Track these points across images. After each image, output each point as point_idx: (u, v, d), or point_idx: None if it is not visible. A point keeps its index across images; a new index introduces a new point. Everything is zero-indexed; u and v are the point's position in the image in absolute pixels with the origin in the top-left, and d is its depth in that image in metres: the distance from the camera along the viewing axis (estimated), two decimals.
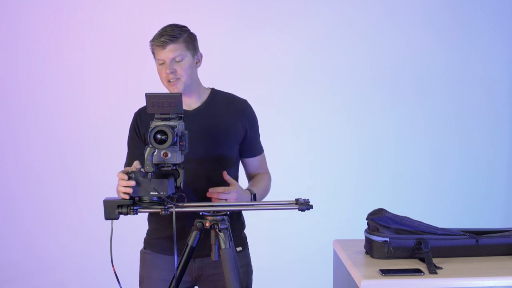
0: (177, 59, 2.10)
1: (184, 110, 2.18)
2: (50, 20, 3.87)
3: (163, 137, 1.74)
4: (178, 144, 1.79)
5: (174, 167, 1.82)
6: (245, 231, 2.33)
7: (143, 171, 1.78)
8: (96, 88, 3.91)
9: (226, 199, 1.99)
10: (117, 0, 3.88)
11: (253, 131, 2.28)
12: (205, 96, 2.24)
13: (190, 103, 2.21)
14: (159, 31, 2.14)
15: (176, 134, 1.77)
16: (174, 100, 1.78)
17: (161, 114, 1.80)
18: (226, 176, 2.07)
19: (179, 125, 1.80)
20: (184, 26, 2.18)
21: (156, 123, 1.77)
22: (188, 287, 2.22)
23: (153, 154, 1.76)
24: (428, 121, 4.05)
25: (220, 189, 2.01)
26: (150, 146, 1.75)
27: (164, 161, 1.78)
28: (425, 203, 4.01)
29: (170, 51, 2.09)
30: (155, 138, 1.74)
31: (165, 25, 2.17)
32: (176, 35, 2.10)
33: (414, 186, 4.05)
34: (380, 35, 3.98)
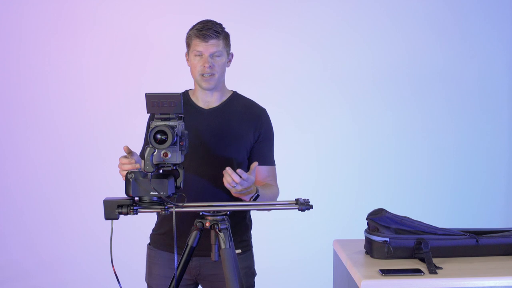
0: (216, 54, 2.13)
1: (200, 108, 2.20)
2: (50, 20, 3.87)
3: (163, 137, 1.74)
4: (178, 144, 1.79)
5: (174, 167, 1.82)
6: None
7: (143, 171, 1.78)
8: (97, 88, 3.92)
9: (237, 183, 1.91)
10: (118, 1, 3.89)
11: (264, 140, 2.24)
12: (225, 97, 2.24)
13: (210, 102, 2.22)
14: (200, 23, 2.15)
15: (176, 134, 1.77)
16: (174, 100, 1.78)
17: (161, 114, 1.80)
18: (254, 166, 2.00)
19: (179, 125, 1.80)
20: (221, 24, 2.19)
21: (156, 123, 1.77)
22: (189, 284, 2.22)
23: (153, 154, 1.76)
24: (428, 121, 4.05)
25: (244, 174, 1.91)
26: (150, 146, 1.75)
27: (164, 161, 1.78)
28: (425, 203, 4.01)
29: (212, 46, 2.11)
30: (155, 138, 1.74)
31: (202, 20, 2.18)
32: (219, 31, 2.13)
33: (414, 186, 4.04)
34: (383, 35, 3.99)
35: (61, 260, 3.91)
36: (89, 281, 3.86)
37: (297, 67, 3.96)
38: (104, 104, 3.91)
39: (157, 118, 1.80)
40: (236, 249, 2.17)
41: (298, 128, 3.99)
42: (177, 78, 3.62)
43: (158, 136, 1.74)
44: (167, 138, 1.74)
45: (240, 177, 1.91)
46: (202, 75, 2.13)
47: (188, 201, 1.90)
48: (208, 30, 2.11)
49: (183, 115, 1.86)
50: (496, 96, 4.08)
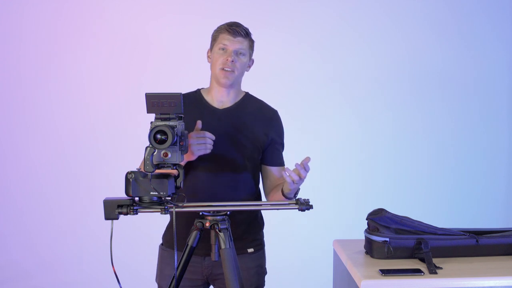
0: (240, 52, 2.16)
1: (214, 108, 2.21)
2: (50, 20, 3.87)
3: (163, 137, 1.74)
4: (178, 144, 1.79)
5: (174, 167, 1.82)
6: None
7: (143, 171, 1.78)
8: (97, 89, 3.92)
9: (300, 175, 1.93)
10: (118, 1, 3.89)
11: (277, 142, 2.26)
12: (238, 98, 2.25)
13: (224, 102, 2.22)
14: (231, 22, 2.20)
15: (176, 134, 1.77)
16: (174, 100, 1.78)
17: (161, 114, 1.80)
18: (309, 160, 1.98)
19: (179, 125, 1.80)
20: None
21: (156, 123, 1.77)
22: (200, 285, 2.22)
23: (153, 154, 1.76)
24: (428, 121, 4.05)
25: (307, 166, 1.94)
26: (150, 146, 1.75)
27: (164, 161, 1.78)
28: (425, 203, 4.01)
29: (238, 43, 2.15)
30: (155, 138, 1.74)
31: (230, 21, 2.21)
32: (247, 32, 2.19)
33: (414, 186, 4.05)
34: (383, 35, 3.99)
35: (61, 260, 3.91)
36: (89, 281, 3.86)
37: (297, 67, 3.96)
38: (104, 104, 3.91)
39: (157, 118, 1.80)
40: (249, 248, 2.20)
41: (298, 128, 3.98)
42: (177, 78, 3.63)
43: (158, 136, 1.74)
44: (167, 138, 1.74)
45: (304, 168, 1.93)
46: (222, 69, 2.15)
47: (201, 201, 1.90)
48: (238, 27, 2.17)
49: (183, 115, 1.86)
50: (496, 96, 4.08)
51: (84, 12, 3.87)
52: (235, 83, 2.20)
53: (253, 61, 2.26)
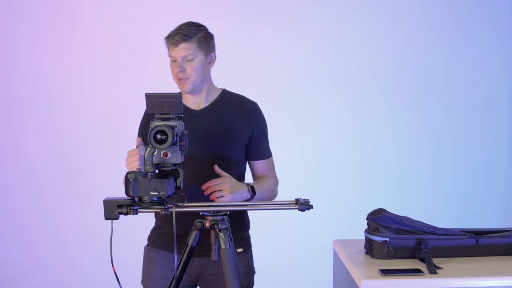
0: (188, 58, 2.12)
1: (191, 110, 2.21)
2: (50, 20, 3.87)
3: (163, 137, 1.74)
4: (178, 144, 1.79)
5: (174, 167, 1.82)
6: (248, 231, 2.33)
7: (143, 171, 1.78)
8: (97, 89, 3.92)
9: (221, 190, 1.98)
10: (118, 1, 3.89)
11: (259, 135, 2.25)
12: (214, 96, 2.24)
13: (199, 103, 2.22)
14: (174, 29, 2.16)
15: (176, 134, 1.77)
16: (174, 100, 1.78)
17: (161, 114, 1.80)
18: (217, 169, 2.06)
19: (179, 125, 1.80)
20: (201, 26, 2.18)
21: (156, 123, 1.77)
22: (188, 286, 2.23)
23: (153, 154, 1.76)
24: (428, 122, 4.05)
25: (212, 180, 2.00)
26: (150, 146, 1.75)
27: (164, 161, 1.78)
28: (425, 203, 4.01)
29: (182, 50, 2.11)
30: (155, 138, 1.74)
31: (181, 23, 2.18)
32: (189, 35, 2.11)
33: (414, 186, 4.05)
34: (383, 35, 3.99)
35: (61, 260, 3.91)
36: (89, 281, 3.86)
37: (297, 67, 3.96)
38: (104, 104, 3.91)
39: (157, 118, 1.80)
40: (238, 248, 2.19)
41: (298, 128, 3.99)
42: None
43: (158, 136, 1.74)
44: (167, 138, 1.74)
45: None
46: (179, 79, 2.15)
47: (188, 202, 1.90)
48: (176, 34, 2.12)
49: (183, 115, 1.86)
50: (496, 96, 4.08)
51: (84, 12, 3.87)
52: (198, 86, 2.17)
53: (215, 55, 2.22)
